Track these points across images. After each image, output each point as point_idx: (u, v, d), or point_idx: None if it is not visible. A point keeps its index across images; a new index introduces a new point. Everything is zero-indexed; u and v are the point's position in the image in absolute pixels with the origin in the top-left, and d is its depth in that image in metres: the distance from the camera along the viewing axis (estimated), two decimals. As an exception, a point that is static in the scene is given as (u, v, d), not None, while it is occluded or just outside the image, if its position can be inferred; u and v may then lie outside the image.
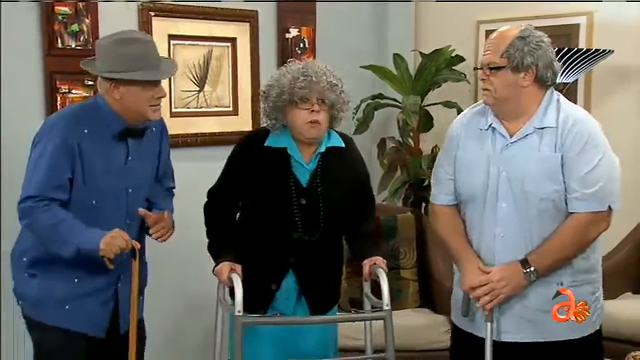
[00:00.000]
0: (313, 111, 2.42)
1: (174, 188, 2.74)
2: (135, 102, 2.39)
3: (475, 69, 2.41)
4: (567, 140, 2.28)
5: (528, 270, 2.29)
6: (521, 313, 2.36)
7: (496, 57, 2.30)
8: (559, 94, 2.39)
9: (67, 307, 2.42)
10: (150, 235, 2.56)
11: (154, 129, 2.56)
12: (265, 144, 2.50)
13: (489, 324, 2.34)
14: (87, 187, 2.38)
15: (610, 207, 2.31)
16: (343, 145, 2.57)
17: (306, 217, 2.48)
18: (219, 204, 2.57)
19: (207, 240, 2.60)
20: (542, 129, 2.31)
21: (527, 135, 2.32)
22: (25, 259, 2.45)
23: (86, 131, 2.38)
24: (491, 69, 2.30)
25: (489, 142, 2.37)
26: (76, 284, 2.41)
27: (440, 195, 2.49)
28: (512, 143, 2.33)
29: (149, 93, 2.39)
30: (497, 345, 2.37)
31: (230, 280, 2.37)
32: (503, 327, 2.38)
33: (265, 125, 2.56)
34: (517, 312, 2.36)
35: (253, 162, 2.50)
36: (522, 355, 2.39)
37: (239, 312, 2.29)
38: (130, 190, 2.48)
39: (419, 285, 3.78)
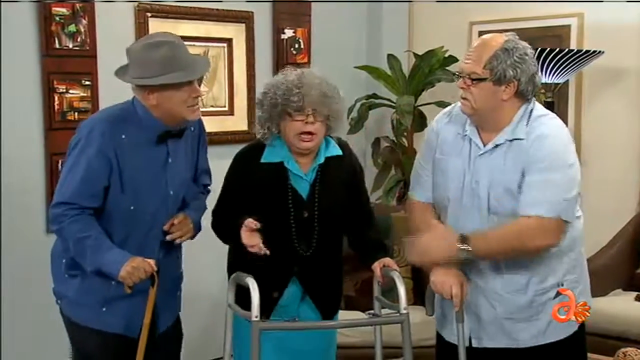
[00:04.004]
0: (307, 122, 2.40)
1: (209, 185, 2.69)
2: (172, 105, 2.35)
3: (454, 74, 2.36)
4: (529, 151, 2.25)
5: (463, 245, 2.23)
6: (492, 321, 2.36)
7: (478, 68, 2.25)
8: (535, 102, 2.35)
9: (104, 309, 2.40)
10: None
11: (192, 128, 2.51)
12: (261, 160, 2.47)
13: (460, 325, 2.33)
14: (125, 194, 2.35)
15: (562, 219, 2.25)
16: (341, 153, 2.55)
17: (308, 229, 2.47)
18: (224, 221, 2.52)
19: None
20: (512, 140, 2.28)
21: (497, 145, 2.30)
22: (64, 260, 2.43)
23: (123, 136, 2.34)
24: (472, 79, 2.26)
25: (465, 149, 2.35)
26: (113, 285, 2.36)
27: (419, 192, 2.47)
28: (482, 154, 2.32)
29: (184, 94, 2.34)
30: (476, 351, 2.38)
31: (256, 242, 2.33)
32: (477, 333, 2.38)
33: (257, 134, 2.52)
34: (488, 320, 2.36)
35: (250, 179, 2.47)
36: None
37: (256, 317, 2.24)
38: (172, 192, 2.45)
39: (412, 283, 3.82)
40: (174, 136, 2.43)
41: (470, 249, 2.24)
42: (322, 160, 2.50)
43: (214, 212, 2.57)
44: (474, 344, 2.39)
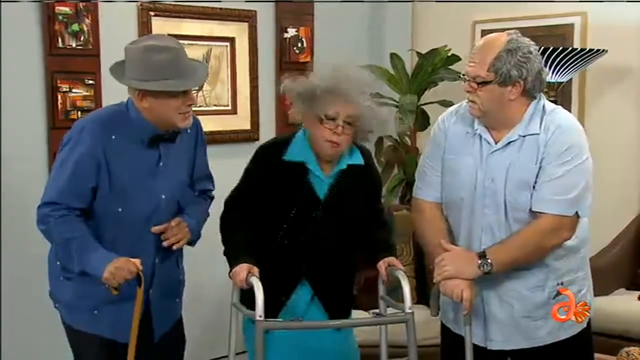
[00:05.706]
0: (335, 132, 2.34)
1: (211, 190, 2.64)
2: (164, 111, 2.31)
3: (459, 76, 2.36)
4: (547, 147, 2.25)
5: (482, 260, 2.26)
6: (507, 321, 2.36)
7: (482, 71, 2.23)
8: (544, 97, 2.35)
9: (96, 312, 2.38)
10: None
11: (189, 130, 2.46)
12: (284, 158, 2.43)
13: (467, 327, 2.33)
14: (113, 195, 2.32)
15: (577, 214, 2.27)
16: (362, 163, 2.52)
17: (320, 229, 2.45)
18: (235, 214, 2.49)
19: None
20: (525, 136, 2.28)
21: (510, 142, 2.29)
22: (58, 262, 2.41)
23: (113, 137, 2.31)
24: (478, 82, 2.24)
25: (476, 147, 2.34)
26: (106, 289, 2.30)
27: (426, 191, 2.45)
28: (495, 150, 2.31)
29: (178, 102, 2.31)
30: (487, 351, 2.38)
31: (247, 282, 2.30)
32: (491, 335, 2.38)
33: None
34: (503, 320, 2.36)
35: (271, 176, 2.44)
36: None
37: (260, 316, 2.23)
38: (163, 196, 2.41)
39: (415, 282, 3.82)
40: (165, 140, 2.40)
41: (490, 261, 2.26)
42: (344, 166, 2.47)
43: (227, 203, 2.52)
44: (489, 347, 2.38)
